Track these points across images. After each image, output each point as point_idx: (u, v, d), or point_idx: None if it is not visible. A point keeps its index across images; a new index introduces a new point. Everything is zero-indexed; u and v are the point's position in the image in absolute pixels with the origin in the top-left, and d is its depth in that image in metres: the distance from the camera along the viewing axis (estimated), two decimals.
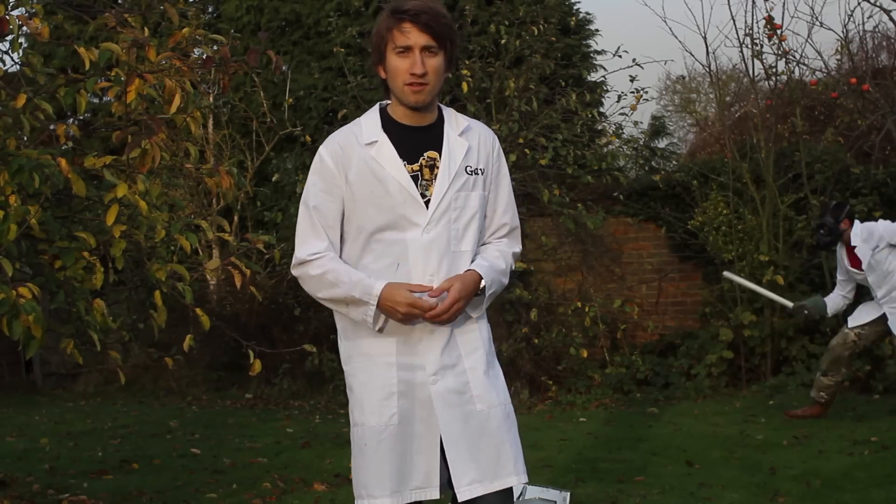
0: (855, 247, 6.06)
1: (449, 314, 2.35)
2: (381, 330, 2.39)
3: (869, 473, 4.84)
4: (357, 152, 2.39)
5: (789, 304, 6.42)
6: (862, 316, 6.20)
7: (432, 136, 2.44)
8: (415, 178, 2.39)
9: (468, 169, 2.44)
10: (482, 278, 2.41)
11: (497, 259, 2.49)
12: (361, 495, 2.42)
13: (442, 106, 2.51)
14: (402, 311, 2.33)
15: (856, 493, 4.45)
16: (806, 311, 6.33)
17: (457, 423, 2.38)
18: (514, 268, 2.58)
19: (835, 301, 6.35)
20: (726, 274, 6.66)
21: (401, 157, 2.39)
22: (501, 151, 2.55)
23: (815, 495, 4.46)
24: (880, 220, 6.17)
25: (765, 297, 6.56)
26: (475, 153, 2.47)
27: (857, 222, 6.18)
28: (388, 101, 2.48)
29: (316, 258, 2.40)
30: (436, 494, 2.41)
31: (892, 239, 5.95)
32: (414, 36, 2.34)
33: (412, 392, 2.38)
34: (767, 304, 7.99)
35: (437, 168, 2.41)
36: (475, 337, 2.45)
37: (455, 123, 2.48)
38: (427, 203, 2.39)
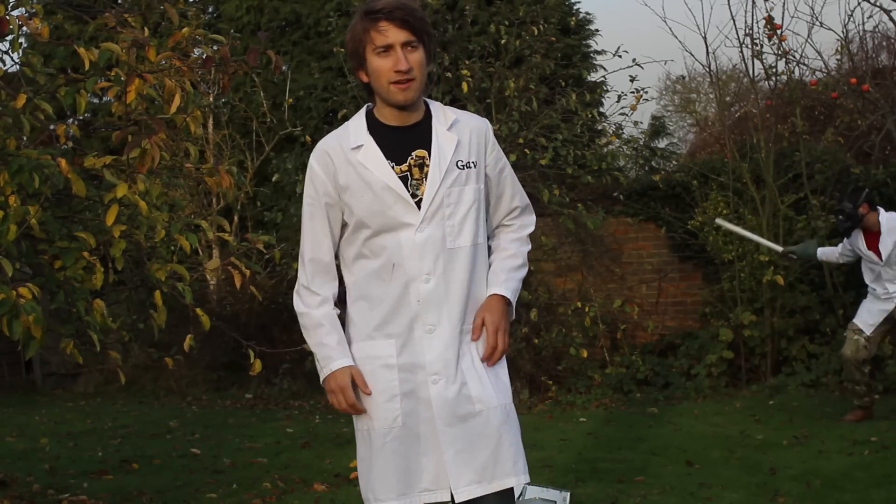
0: (880, 233, 6.05)
1: (501, 346, 2.43)
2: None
3: (869, 473, 4.84)
4: (344, 157, 2.38)
5: (779, 248, 6.39)
6: (869, 318, 6.20)
7: (419, 134, 2.41)
8: (404, 179, 2.37)
9: (459, 164, 2.41)
10: (504, 296, 2.44)
11: (509, 259, 2.50)
12: (369, 499, 2.41)
13: (429, 101, 2.47)
14: (339, 408, 2.41)
15: (856, 493, 4.45)
16: (794, 257, 6.34)
17: (455, 424, 2.36)
18: (529, 246, 2.59)
19: (830, 253, 6.39)
20: (718, 220, 6.64)
21: (388, 158, 2.37)
22: (494, 138, 2.52)
23: (815, 495, 4.46)
24: None
25: (754, 243, 6.52)
26: (466, 147, 2.43)
27: (881, 209, 6.18)
28: (373, 105, 2.45)
29: (307, 297, 2.54)
30: (446, 496, 2.38)
31: None
32: (392, 33, 2.31)
33: (415, 393, 2.37)
34: (767, 305, 7.99)
35: (427, 166, 2.38)
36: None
37: (443, 118, 2.44)
38: (419, 203, 2.36)
